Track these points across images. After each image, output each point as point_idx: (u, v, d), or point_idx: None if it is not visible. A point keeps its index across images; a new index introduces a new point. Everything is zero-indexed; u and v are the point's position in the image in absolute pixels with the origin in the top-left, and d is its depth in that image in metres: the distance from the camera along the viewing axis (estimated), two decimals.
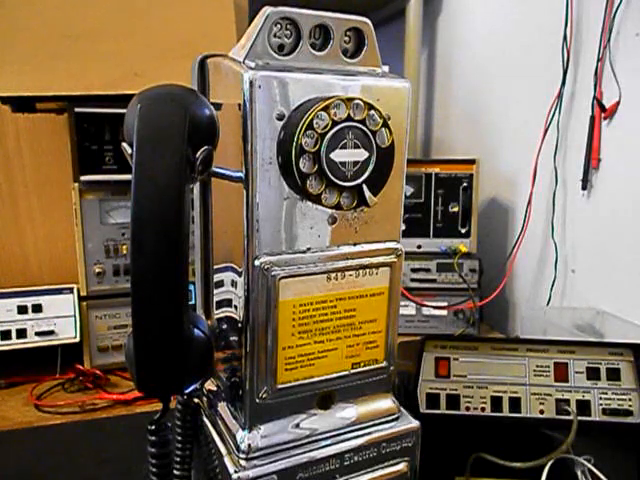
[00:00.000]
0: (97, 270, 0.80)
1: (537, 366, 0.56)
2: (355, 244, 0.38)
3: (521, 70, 1.01)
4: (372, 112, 0.35)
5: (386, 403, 0.42)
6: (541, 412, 0.55)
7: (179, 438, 0.41)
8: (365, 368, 0.41)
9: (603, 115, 0.83)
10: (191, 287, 0.44)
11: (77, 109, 0.76)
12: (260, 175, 0.34)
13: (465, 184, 1.00)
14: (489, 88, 1.10)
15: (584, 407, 0.55)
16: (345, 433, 0.40)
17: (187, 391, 0.38)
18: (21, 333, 0.78)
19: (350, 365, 0.40)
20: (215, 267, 0.42)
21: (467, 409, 0.55)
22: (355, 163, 0.35)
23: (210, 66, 0.40)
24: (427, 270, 0.98)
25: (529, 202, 0.96)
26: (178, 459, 0.41)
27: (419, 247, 1.01)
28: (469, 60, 1.17)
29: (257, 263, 0.35)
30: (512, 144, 1.05)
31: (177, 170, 0.32)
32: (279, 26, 0.35)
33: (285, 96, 0.34)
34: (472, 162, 1.00)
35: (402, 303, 0.94)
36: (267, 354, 0.37)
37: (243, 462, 0.37)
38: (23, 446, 0.64)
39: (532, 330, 0.85)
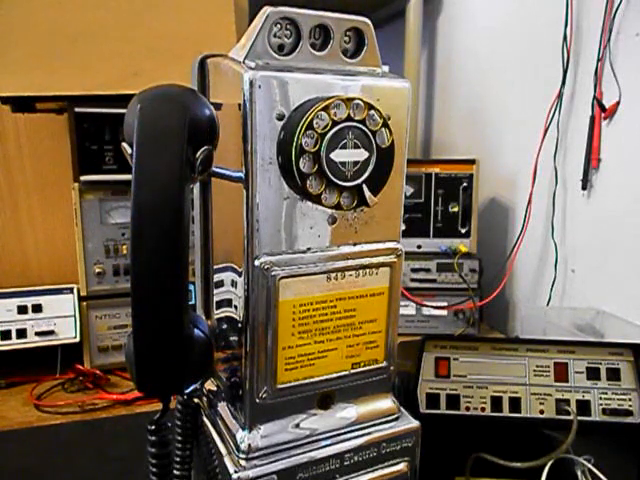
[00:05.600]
0: (97, 270, 0.80)
1: (537, 366, 0.56)
2: (355, 244, 0.38)
3: (521, 70, 1.01)
4: (372, 112, 0.35)
5: (386, 403, 0.42)
6: (541, 412, 0.55)
7: (179, 438, 0.41)
8: (365, 368, 0.41)
9: (603, 115, 0.83)
10: (191, 287, 0.44)
11: (77, 109, 0.76)
12: (260, 175, 0.34)
13: (465, 184, 1.00)
14: (489, 88, 1.10)
15: (584, 407, 0.55)
16: (345, 433, 0.40)
17: (187, 391, 0.38)
18: (21, 333, 0.78)
19: (350, 365, 0.40)
20: (215, 267, 0.42)
21: (467, 409, 0.55)
22: (355, 163, 0.35)
23: (210, 66, 0.40)
24: (427, 270, 0.98)
25: (529, 202, 0.96)
26: (178, 459, 0.41)
27: (419, 247, 1.01)
28: (469, 60, 1.17)
29: (257, 263, 0.35)
30: (512, 144, 1.05)
31: (177, 170, 0.32)
32: (279, 26, 0.35)
33: (285, 96, 0.34)
34: (472, 162, 1.00)
35: (402, 303, 0.94)
36: (267, 354, 0.37)
37: (243, 462, 0.37)
38: (23, 446, 0.64)
39: (532, 330, 0.85)
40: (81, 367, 0.78)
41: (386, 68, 0.40)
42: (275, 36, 0.35)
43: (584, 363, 0.56)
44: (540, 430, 0.58)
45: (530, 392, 0.55)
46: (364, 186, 0.36)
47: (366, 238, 0.39)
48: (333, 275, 0.38)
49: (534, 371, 0.56)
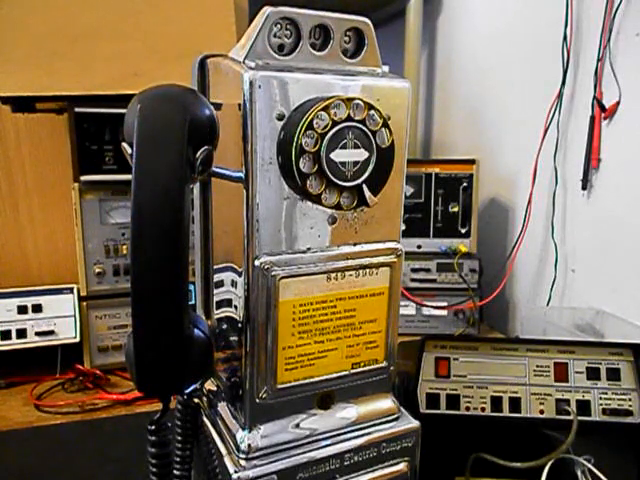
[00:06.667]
0: (97, 270, 0.80)
1: (537, 366, 0.56)
2: (355, 244, 0.38)
3: (521, 70, 1.01)
4: (372, 112, 0.35)
5: (386, 403, 0.42)
6: (541, 412, 0.55)
7: (179, 438, 0.41)
8: (365, 368, 0.41)
9: (603, 115, 0.83)
10: (191, 287, 0.44)
11: (77, 109, 0.76)
12: (260, 175, 0.34)
13: (465, 184, 1.00)
14: (489, 88, 1.10)
15: (584, 407, 0.55)
16: (345, 433, 0.40)
17: (187, 391, 0.38)
18: (21, 333, 0.78)
19: (350, 365, 0.40)
20: (215, 267, 0.42)
21: (467, 409, 0.55)
22: (355, 163, 0.35)
23: (210, 66, 0.40)
24: (427, 270, 0.98)
25: (529, 202, 0.96)
26: (178, 459, 0.41)
27: (419, 247, 1.01)
28: (469, 60, 1.17)
29: (257, 263, 0.35)
30: (512, 144, 1.05)
31: (177, 170, 0.32)
32: (279, 26, 0.35)
33: (285, 96, 0.34)
34: (472, 162, 1.00)
35: (402, 303, 0.94)
36: (267, 354, 0.37)
37: (243, 462, 0.37)
38: (23, 446, 0.64)
39: (532, 330, 0.85)
40: (81, 367, 0.78)
41: (386, 68, 0.40)
42: (275, 36, 0.35)
43: (584, 363, 0.56)
44: (540, 430, 0.58)
45: (530, 392, 0.55)
46: (364, 186, 0.36)
47: (366, 238, 0.39)
48: (333, 275, 0.38)
49: (534, 371, 0.56)
